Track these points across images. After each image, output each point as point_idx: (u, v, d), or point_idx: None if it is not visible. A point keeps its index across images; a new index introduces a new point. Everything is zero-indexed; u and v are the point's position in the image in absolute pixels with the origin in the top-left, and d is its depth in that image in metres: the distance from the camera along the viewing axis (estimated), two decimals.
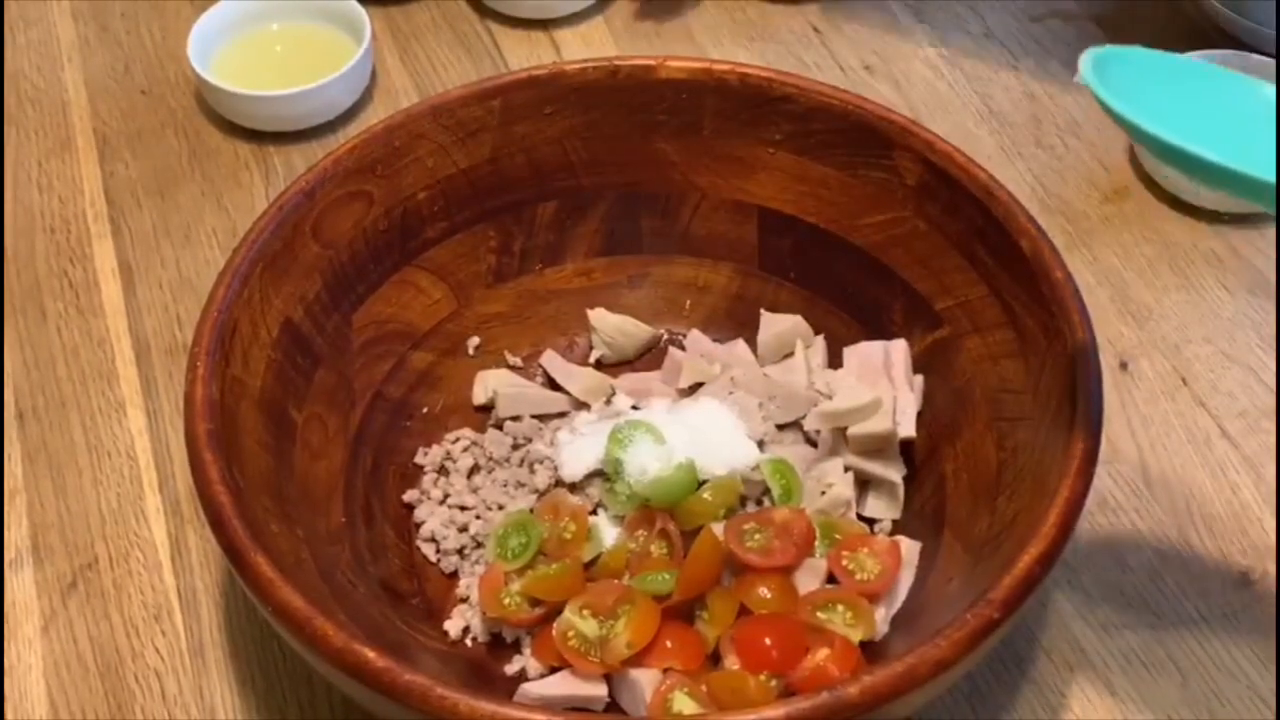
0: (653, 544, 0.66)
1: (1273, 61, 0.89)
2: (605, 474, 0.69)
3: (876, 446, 0.69)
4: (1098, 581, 0.71)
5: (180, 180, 0.91)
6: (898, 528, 0.69)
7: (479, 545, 0.69)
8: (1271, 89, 0.54)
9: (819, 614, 0.63)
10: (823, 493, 0.69)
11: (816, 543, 0.66)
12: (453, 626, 0.66)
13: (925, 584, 0.65)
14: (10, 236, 0.87)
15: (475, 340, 0.76)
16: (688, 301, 0.78)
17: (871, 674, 0.51)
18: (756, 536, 0.65)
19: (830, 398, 0.71)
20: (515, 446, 0.73)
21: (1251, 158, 0.48)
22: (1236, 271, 0.84)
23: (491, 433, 0.74)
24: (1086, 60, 0.52)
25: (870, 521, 0.69)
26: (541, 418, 0.74)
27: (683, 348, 0.76)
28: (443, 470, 0.72)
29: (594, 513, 0.69)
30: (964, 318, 0.69)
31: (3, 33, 1.00)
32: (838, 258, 0.74)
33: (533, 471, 0.71)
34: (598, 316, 0.77)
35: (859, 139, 0.71)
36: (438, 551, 0.69)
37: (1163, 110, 0.50)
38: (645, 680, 0.61)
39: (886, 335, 0.72)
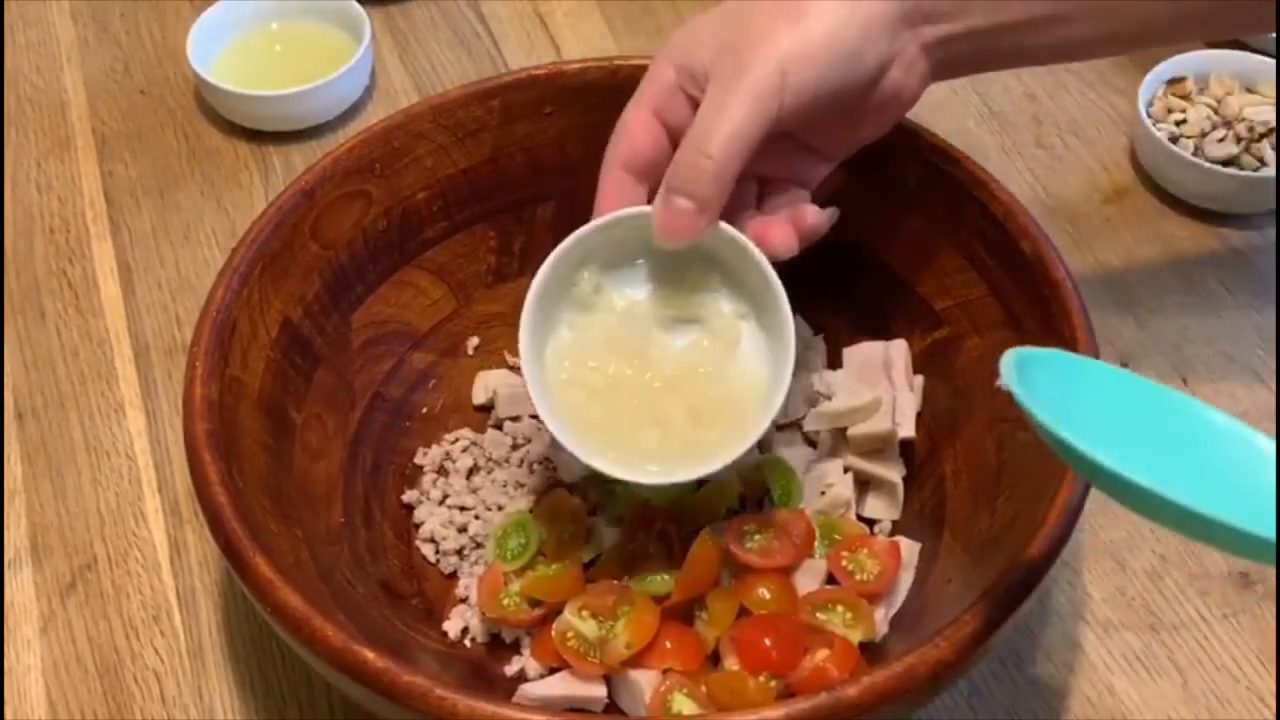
0: (652, 545, 0.66)
1: (1273, 62, 0.89)
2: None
3: (876, 447, 0.69)
4: (1098, 582, 0.70)
5: (180, 180, 0.91)
6: (897, 528, 0.68)
7: (478, 546, 0.69)
8: (1209, 411, 0.48)
9: (819, 615, 0.63)
10: (822, 493, 0.69)
11: (816, 543, 0.66)
12: (452, 627, 0.66)
13: (925, 585, 0.65)
14: (10, 236, 0.87)
15: (475, 340, 0.76)
16: None
17: (871, 674, 0.51)
18: (756, 537, 0.65)
19: (830, 398, 0.71)
20: (515, 447, 0.73)
21: (1191, 488, 0.41)
22: (1236, 271, 0.84)
23: (491, 433, 0.74)
24: (1008, 363, 0.47)
25: (870, 522, 0.69)
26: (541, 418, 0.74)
27: None
28: (442, 471, 0.72)
29: (593, 513, 0.68)
30: (964, 318, 0.69)
31: (2, 33, 1.00)
32: (837, 257, 0.74)
33: (532, 472, 0.71)
34: None
35: None
36: (437, 552, 0.69)
37: (1091, 424, 0.45)
38: (645, 681, 0.61)
39: (886, 335, 0.72)
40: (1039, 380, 0.47)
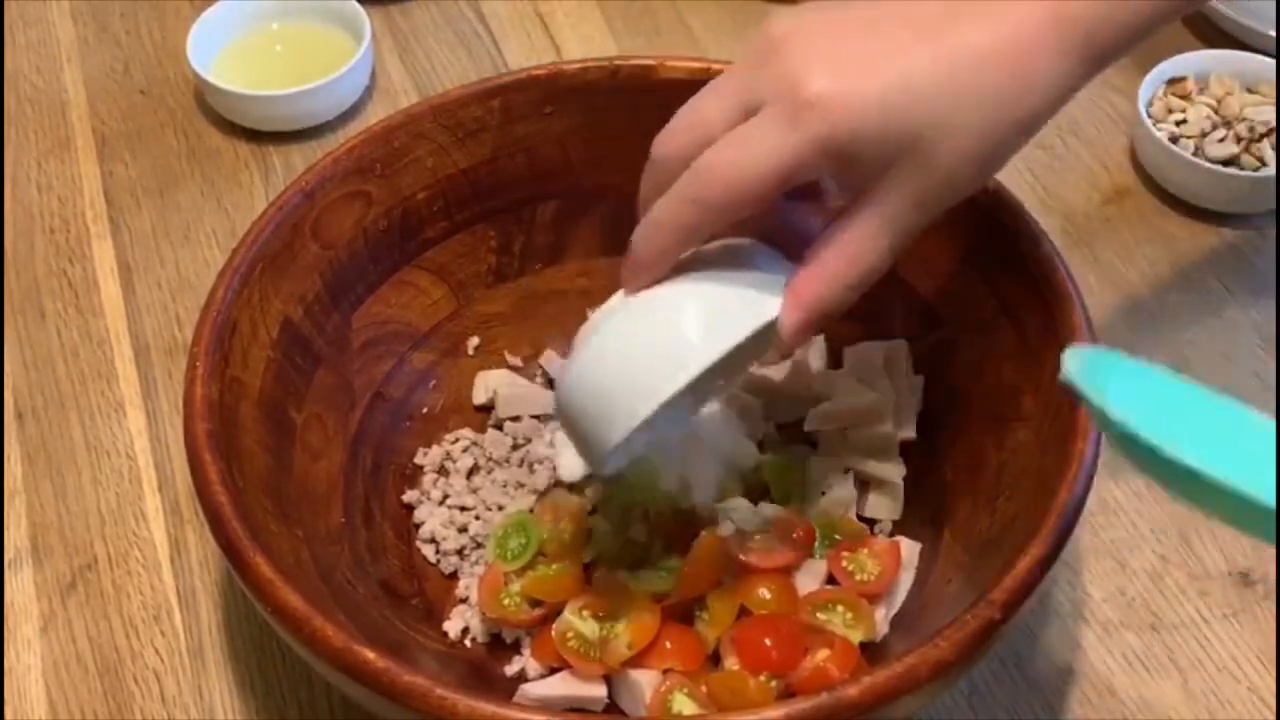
0: (652, 545, 0.66)
1: (1273, 61, 0.89)
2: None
3: (876, 447, 0.69)
4: (1098, 582, 0.70)
5: (180, 180, 0.91)
6: (898, 528, 0.69)
7: (478, 546, 0.69)
8: (1260, 418, 0.49)
9: (819, 615, 0.63)
10: (823, 493, 0.69)
11: (816, 543, 0.66)
12: (452, 627, 0.66)
13: (925, 585, 0.65)
14: (10, 236, 0.87)
15: (475, 340, 0.76)
16: None
17: (871, 674, 0.51)
18: (756, 537, 0.65)
19: (830, 398, 0.71)
20: (515, 447, 0.73)
21: (1257, 484, 0.43)
22: (1236, 271, 0.84)
23: (491, 433, 0.74)
24: (1073, 361, 0.48)
25: (870, 522, 0.69)
26: (541, 418, 0.74)
27: None
28: (442, 471, 0.72)
29: (593, 513, 0.68)
30: (964, 318, 0.69)
31: (2, 33, 1.00)
32: None
33: (532, 472, 0.71)
34: None
35: None
36: (437, 552, 0.69)
37: (1155, 425, 0.45)
38: (645, 681, 0.61)
39: (886, 335, 0.72)
40: (1099, 376, 0.48)
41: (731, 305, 0.54)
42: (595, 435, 0.55)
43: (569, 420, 0.57)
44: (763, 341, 0.55)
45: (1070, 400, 0.59)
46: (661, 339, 0.54)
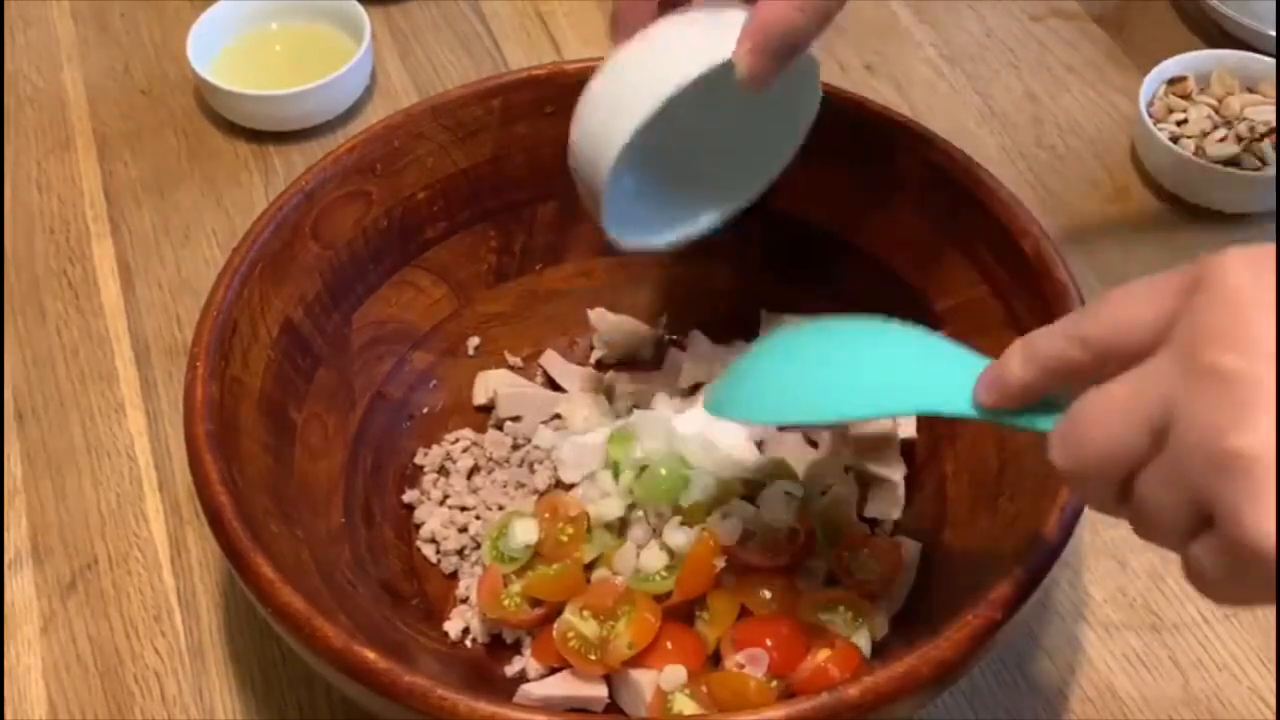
0: (653, 544, 0.66)
1: (1273, 61, 0.89)
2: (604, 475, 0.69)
3: (877, 446, 0.69)
4: (1099, 581, 0.70)
5: (180, 180, 0.91)
6: (898, 528, 0.68)
7: (479, 546, 0.69)
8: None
9: (821, 615, 0.63)
10: (823, 493, 0.69)
11: (817, 543, 0.66)
12: (452, 627, 0.66)
13: (926, 585, 0.65)
14: (10, 236, 0.87)
15: (475, 340, 0.76)
16: (688, 301, 0.78)
17: (872, 674, 0.51)
18: (757, 537, 0.65)
19: None
20: (515, 447, 0.73)
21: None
22: None
23: (491, 433, 0.74)
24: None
25: (871, 522, 0.69)
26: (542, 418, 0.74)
27: (683, 348, 0.76)
28: (443, 471, 0.72)
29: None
30: (965, 318, 0.69)
31: (2, 33, 1.00)
32: (838, 257, 0.74)
33: (532, 472, 0.71)
34: (598, 316, 0.77)
35: (859, 138, 0.71)
36: (438, 552, 0.69)
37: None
38: (645, 681, 0.61)
39: None
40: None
41: (695, 44, 0.57)
42: (592, 174, 0.58)
43: (577, 175, 0.59)
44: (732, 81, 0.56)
45: None
46: (634, 74, 0.57)
